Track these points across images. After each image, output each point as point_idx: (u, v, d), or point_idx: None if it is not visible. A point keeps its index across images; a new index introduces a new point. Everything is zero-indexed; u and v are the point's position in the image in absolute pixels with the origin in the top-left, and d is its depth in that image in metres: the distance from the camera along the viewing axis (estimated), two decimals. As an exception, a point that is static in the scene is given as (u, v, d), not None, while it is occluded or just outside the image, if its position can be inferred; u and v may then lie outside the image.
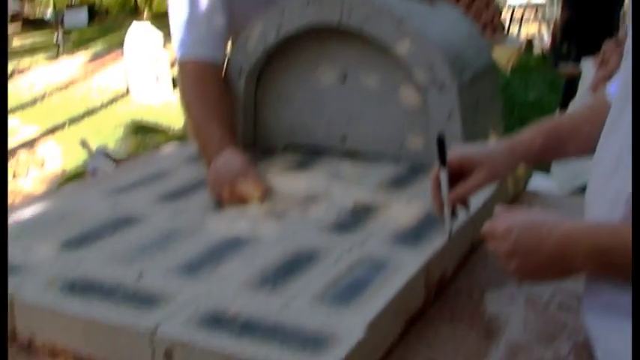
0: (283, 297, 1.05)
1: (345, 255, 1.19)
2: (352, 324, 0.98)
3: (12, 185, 4.97)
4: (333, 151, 1.72)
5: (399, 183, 1.54)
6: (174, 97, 7.11)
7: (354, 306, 1.03)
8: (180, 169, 1.64)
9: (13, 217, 1.40)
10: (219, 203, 1.42)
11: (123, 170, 1.93)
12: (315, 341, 0.93)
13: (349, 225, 1.32)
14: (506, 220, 1.05)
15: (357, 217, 1.35)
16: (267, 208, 1.40)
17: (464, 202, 1.19)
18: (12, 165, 5.42)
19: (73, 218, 1.35)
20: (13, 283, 1.09)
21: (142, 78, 7.16)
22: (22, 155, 5.66)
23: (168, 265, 1.16)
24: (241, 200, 1.42)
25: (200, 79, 1.62)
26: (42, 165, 5.43)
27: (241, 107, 1.73)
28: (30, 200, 1.70)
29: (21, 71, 8.38)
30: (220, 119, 1.57)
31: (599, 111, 1.20)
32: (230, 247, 1.23)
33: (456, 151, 1.20)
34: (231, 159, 1.43)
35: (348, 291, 1.07)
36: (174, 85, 7.35)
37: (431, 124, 1.55)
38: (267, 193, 1.43)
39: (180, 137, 5.26)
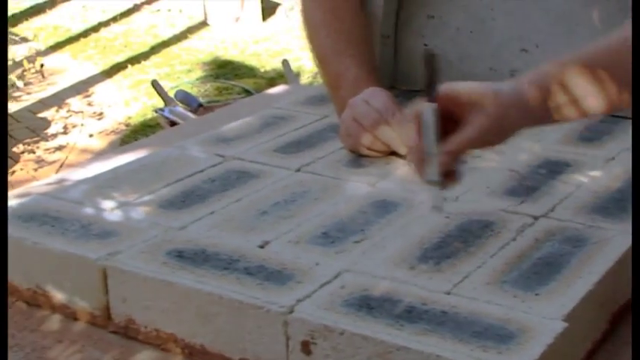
0: (451, 277, 1.07)
1: (528, 226, 1.19)
2: (545, 314, 0.98)
3: (63, 140, 5.19)
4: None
5: (592, 135, 1.53)
6: (263, 28, 7.20)
7: (546, 292, 1.03)
8: (299, 114, 1.67)
9: (87, 174, 1.47)
10: (356, 156, 1.45)
11: (221, 116, 2.00)
12: (497, 335, 0.95)
13: (530, 188, 1.32)
14: None
15: (539, 180, 1.35)
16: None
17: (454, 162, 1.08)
18: (62, 115, 5.65)
19: (170, 173, 1.41)
20: (105, 250, 1.15)
21: (224, 1, 7.28)
22: (75, 102, 5.89)
23: (299, 234, 1.19)
24: (385, 152, 1.43)
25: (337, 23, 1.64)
26: (100, 114, 5.64)
27: (379, 33, 1.74)
28: (105, 155, 1.78)
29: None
30: (356, 48, 1.59)
31: None
32: (376, 212, 1.25)
33: (450, 85, 1.09)
34: (372, 99, 1.45)
35: (536, 272, 1.08)
36: (265, 14, 7.44)
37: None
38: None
39: (273, 80, 5.34)
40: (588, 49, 1.14)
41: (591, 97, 1.10)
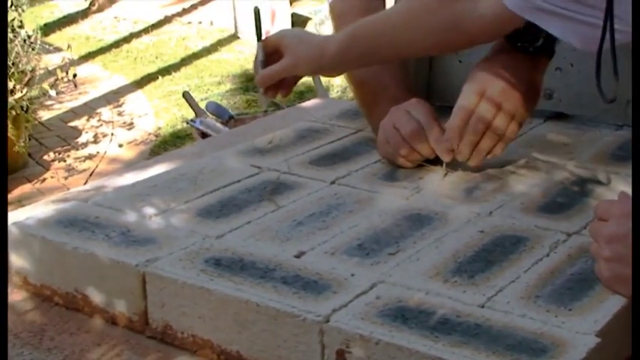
0: (485, 291, 1.09)
1: (561, 243, 1.21)
2: (578, 329, 1.00)
3: (93, 149, 5.24)
4: (534, 110, 1.73)
5: (625, 154, 1.54)
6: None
7: (579, 307, 1.05)
8: (334, 127, 1.70)
9: (123, 183, 1.51)
10: (391, 169, 1.48)
11: (253, 129, 2.02)
12: (531, 348, 0.96)
13: (562, 205, 1.33)
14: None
15: (571, 197, 1.37)
16: (455, 179, 1.44)
17: (274, 86, 1.53)
18: (93, 124, 5.71)
19: (207, 183, 1.43)
20: (144, 256, 1.18)
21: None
22: (106, 112, 5.95)
23: (334, 245, 1.21)
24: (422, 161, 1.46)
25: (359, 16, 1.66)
26: (130, 124, 5.69)
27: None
28: (140, 164, 1.81)
29: (101, 7, 8.77)
30: (393, 67, 1.61)
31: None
32: (410, 225, 1.27)
33: (281, 32, 1.58)
34: (414, 109, 1.46)
35: (569, 288, 1.09)
36: (295, 25, 7.47)
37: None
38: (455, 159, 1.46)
39: (302, 94, 5.37)
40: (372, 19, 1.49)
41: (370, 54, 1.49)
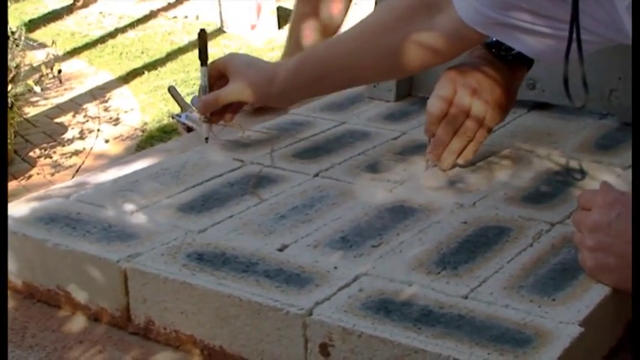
0: (468, 282, 1.08)
1: (545, 233, 1.21)
2: (562, 319, 1.00)
3: (79, 145, 5.23)
4: (517, 101, 1.72)
5: (608, 143, 1.54)
6: (279, 35, 7.23)
7: (563, 297, 1.05)
8: (317, 120, 1.69)
9: (106, 178, 1.49)
10: (375, 159, 1.48)
11: (237, 122, 2.01)
12: (514, 339, 0.96)
13: (546, 195, 1.33)
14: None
15: (555, 186, 1.36)
16: (438, 170, 1.43)
17: (218, 113, 1.52)
18: (79, 120, 5.69)
19: (190, 178, 1.42)
20: (126, 252, 1.17)
21: (240, 8, 7.32)
22: (92, 108, 5.93)
23: (317, 237, 1.21)
24: None
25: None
26: (116, 120, 5.68)
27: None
28: (124, 159, 1.80)
29: (86, 2, 8.74)
30: None
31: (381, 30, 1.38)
32: (393, 217, 1.27)
33: (229, 56, 1.55)
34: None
35: (552, 278, 1.09)
36: (280, 21, 7.47)
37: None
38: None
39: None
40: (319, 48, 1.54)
41: (310, 85, 1.48)
